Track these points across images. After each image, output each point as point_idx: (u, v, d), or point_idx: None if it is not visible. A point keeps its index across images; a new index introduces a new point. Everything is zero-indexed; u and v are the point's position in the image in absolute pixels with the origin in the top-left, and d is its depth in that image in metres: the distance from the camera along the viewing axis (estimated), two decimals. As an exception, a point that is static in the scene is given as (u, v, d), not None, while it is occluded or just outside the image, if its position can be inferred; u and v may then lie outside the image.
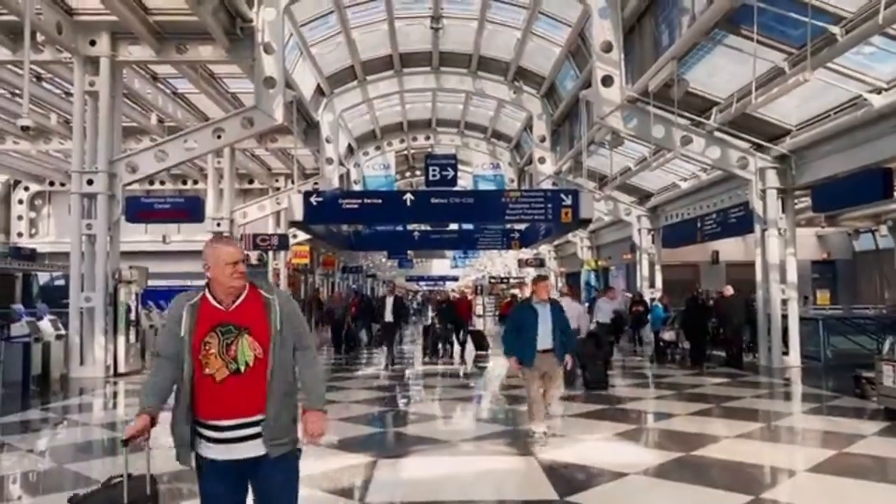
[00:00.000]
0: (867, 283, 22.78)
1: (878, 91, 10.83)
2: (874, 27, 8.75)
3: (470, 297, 30.19)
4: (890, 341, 8.41)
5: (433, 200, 13.97)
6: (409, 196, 14.03)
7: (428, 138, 28.78)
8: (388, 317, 14.82)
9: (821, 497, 5.41)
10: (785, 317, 13.55)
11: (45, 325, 12.20)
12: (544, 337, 7.06)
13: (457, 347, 17.54)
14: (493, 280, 47.18)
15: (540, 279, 7.54)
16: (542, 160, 22.94)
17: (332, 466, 6.22)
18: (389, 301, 15.07)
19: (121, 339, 13.22)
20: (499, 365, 14.63)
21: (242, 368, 2.89)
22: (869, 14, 8.91)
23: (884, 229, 19.01)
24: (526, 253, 32.28)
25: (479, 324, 27.17)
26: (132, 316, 13.56)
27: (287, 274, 26.14)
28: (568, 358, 7.39)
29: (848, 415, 8.68)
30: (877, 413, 8.41)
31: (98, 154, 13.13)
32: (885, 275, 21.44)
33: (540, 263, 33.76)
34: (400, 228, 22.92)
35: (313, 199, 13.48)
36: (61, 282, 23.71)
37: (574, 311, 12.31)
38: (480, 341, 17.43)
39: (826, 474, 6.00)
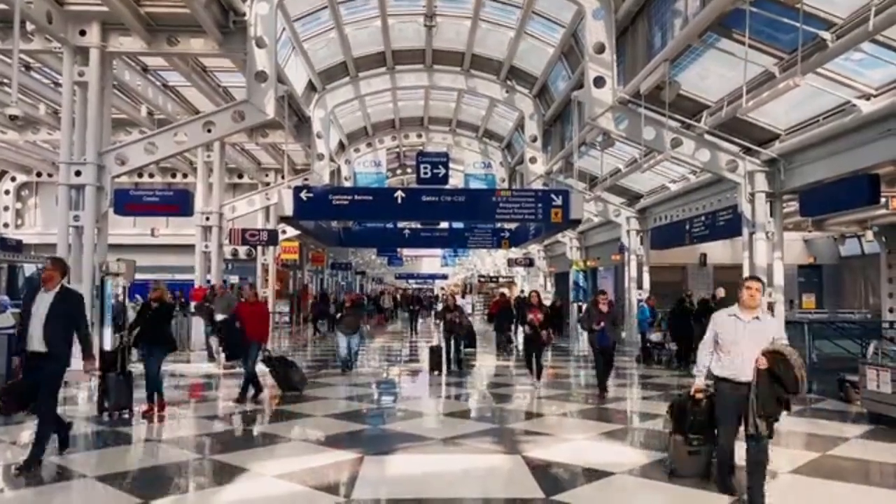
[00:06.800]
0: (852, 288, 22.99)
1: (867, 97, 10.90)
2: (864, 34, 8.81)
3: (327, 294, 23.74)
4: (874, 346, 8.49)
5: (424, 198, 13.93)
6: (400, 193, 13.97)
7: (420, 136, 28.75)
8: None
9: (803, 499, 5.45)
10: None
11: (30, 316, 12.07)
12: None
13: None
14: (482, 279, 47.23)
15: None
16: (533, 160, 22.97)
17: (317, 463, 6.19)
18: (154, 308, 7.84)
19: (107, 332, 13.11)
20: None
21: None
22: (860, 20, 8.97)
23: (870, 234, 19.14)
24: (515, 252, 32.38)
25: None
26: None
27: (276, 269, 26.03)
28: None
29: (832, 418, 8.76)
30: (860, 416, 8.49)
31: (87, 145, 13.00)
32: (870, 280, 21.63)
33: (529, 263, 33.87)
34: (390, 226, 22.90)
35: (303, 195, 13.41)
36: (47, 274, 23.51)
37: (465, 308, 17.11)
38: (288, 375, 10.45)
39: (809, 476, 6.05)
